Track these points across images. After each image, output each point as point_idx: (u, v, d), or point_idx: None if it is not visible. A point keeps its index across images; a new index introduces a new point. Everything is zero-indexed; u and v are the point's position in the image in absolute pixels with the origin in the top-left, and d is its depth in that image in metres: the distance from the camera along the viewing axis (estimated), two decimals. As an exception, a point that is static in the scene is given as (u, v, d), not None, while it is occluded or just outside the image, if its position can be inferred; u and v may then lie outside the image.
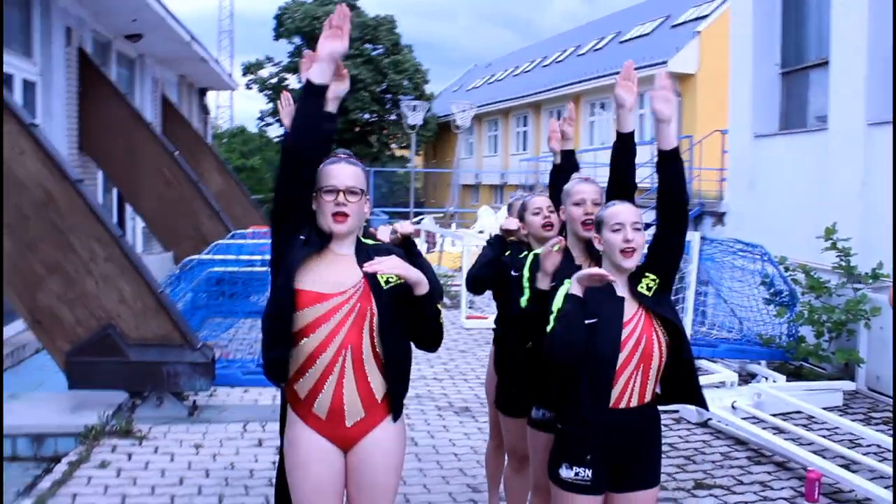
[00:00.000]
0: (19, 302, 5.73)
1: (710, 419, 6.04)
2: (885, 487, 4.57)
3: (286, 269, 2.51)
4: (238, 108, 63.53)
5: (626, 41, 26.10)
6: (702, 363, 7.26)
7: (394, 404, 2.63)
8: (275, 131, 39.99)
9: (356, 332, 2.53)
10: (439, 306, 2.68)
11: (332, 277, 2.55)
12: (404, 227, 3.31)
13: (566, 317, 2.60)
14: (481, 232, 15.31)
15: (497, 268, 3.60)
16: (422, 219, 20.35)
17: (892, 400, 6.52)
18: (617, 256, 2.71)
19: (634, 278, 2.77)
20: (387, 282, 2.59)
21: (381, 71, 36.58)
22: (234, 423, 5.72)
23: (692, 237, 7.34)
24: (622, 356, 2.63)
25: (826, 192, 8.08)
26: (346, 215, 2.54)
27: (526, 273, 3.13)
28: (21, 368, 7.86)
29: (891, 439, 5.38)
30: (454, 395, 6.80)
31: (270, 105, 37.81)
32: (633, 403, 2.68)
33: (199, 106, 17.76)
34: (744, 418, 5.95)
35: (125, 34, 11.58)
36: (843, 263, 7.02)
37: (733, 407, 6.11)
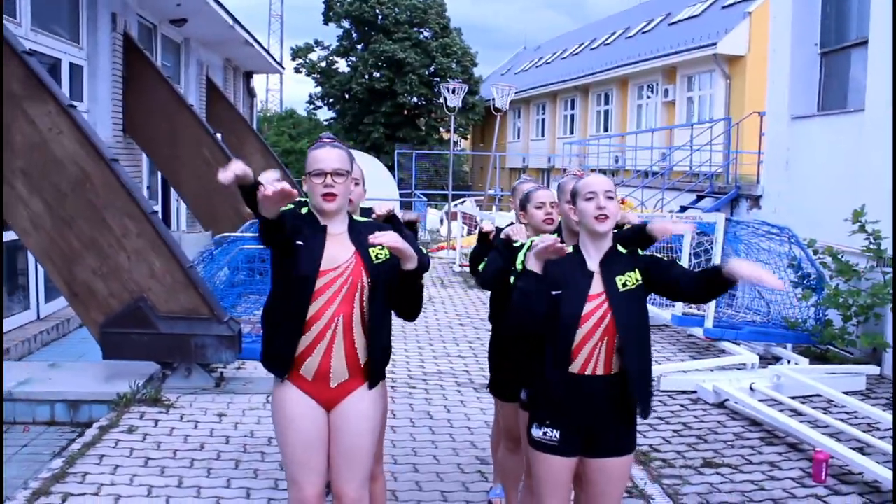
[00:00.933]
0: (58, 276, 6.02)
1: (727, 400, 6.06)
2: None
3: (300, 275, 2.76)
4: (288, 91, 64.33)
5: (675, 23, 25.66)
6: (723, 345, 7.26)
7: (373, 370, 2.88)
8: (323, 114, 40.47)
9: (348, 303, 2.80)
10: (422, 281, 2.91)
11: (328, 254, 2.80)
12: (408, 214, 3.57)
13: (522, 291, 2.71)
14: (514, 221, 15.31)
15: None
16: (463, 201, 20.45)
17: (918, 385, 6.44)
18: (591, 222, 2.80)
19: (618, 265, 2.82)
20: (376, 257, 2.85)
21: (429, 54, 36.62)
22: (258, 395, 5.93)
23: (717, 218, 7.31)
24: (586, 327, 2.72)
25: (860, 174, 7.94)
26: (334, 195, 2.79)
27: (520, 258, 3.22)
28: (65, 341, 8.26)
29: (907, 423, 5.33)
30: (476, 371, 6.91)
31: (319, 88, 38.17)
32: (599, 372, 2.76)
33: (245, 89, 18.10)
34: (762, 400, 5.95)
35: (170, 19, 11.88)
36: (873, 246, 6.91)
37: (751, 388, 6.11)
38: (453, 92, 13.71)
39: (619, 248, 2.89)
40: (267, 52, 16.71)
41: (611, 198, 2.80)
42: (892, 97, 7.20)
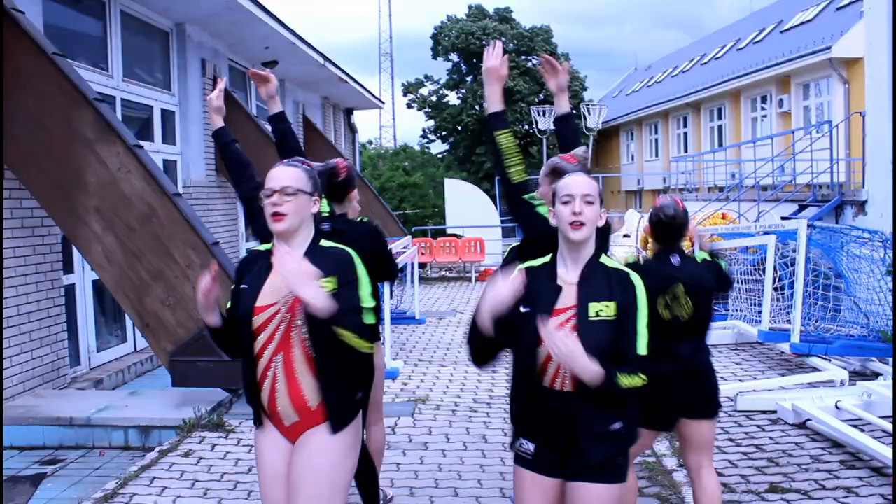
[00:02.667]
0: (130, 307, 6.33)
1: (808, 420, 5.60)
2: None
3: (238, 316, 2.69)
4: (404, 126, 66.04)
5: (787, 30, 24.54)
6: (813, 361, 6.73)
7: (331, 413, 2.63)
8: (437, 147, 41.12)
9: (286, 340, 2.59)
10: (353, 339, 2.50)
11: (269, 287, 2.62)
12: None
13: (471, 335, 2.62)
14: (626, 236, 14.97)
15: None
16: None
17: None
18: (566, 229, 2.57)
19: (597, 288, 2.57)
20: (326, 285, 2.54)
21: (538, 81, 36.63)
22: (318, 419, 5.97)
23: (798, 225, 6.82)
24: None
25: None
26: (281, 214, 2.59)
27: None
28: (159, 371, 8.64)
29: None
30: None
31: (431, 122, 38.87)
32: (567, 388, 2.53)
33: (345, 126, 18.63)
34: (847, 420, 5.46)
35: (262, 61, 12.41)
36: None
37: (836, 407, 5.62)
38: (543, 115, 13.56)
39: (606, 260, 2.66)
40: (364, 88, 17.17)
41: (590, 202, 2.56)
42: None
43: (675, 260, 3.46)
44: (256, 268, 2.70)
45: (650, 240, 3.66)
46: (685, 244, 3.68)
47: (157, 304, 6.24)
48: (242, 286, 2.68)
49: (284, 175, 2.65)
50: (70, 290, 7.72)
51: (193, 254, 6.18)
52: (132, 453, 5.92)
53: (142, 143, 6.70)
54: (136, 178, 6.20)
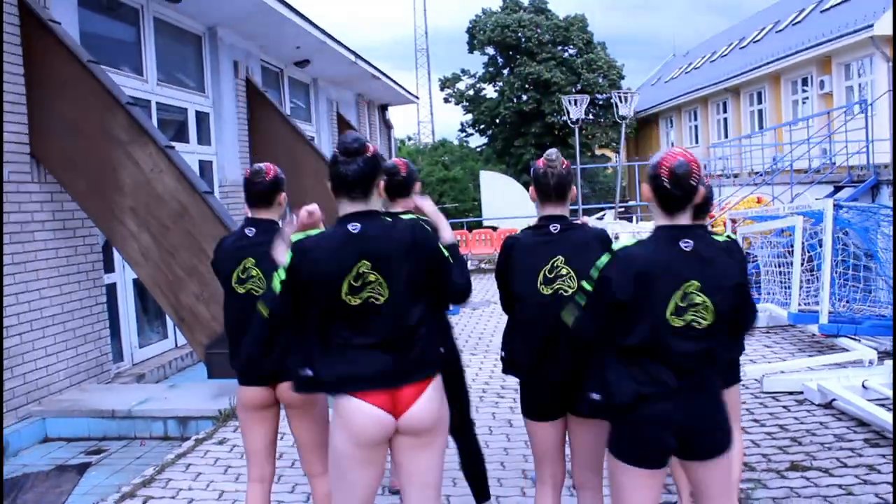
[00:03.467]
0: (166, 302, 6.56)
1: (834, 400, 5.58)
2: None
3: None
4: (442, 120, 65.89)
5: (827, 9, 24.03)
6: (842, 341, 6.69)
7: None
8: (475, 141, 41.16)
9: None
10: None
11: None
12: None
13: None
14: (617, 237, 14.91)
15: None
16: (603, 214, 20.09)
17: None
18: None
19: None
20: None
21: (574, 71, 36.39)
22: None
23: (824, 205, 6.76)
24: None
25: None
26: None
27: None
28: (199, 366, 8.90)
29: None
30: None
31: (469, 116, 38.93)
32: None
33: (380, 122, 18.82)
34: (873, 400, 5.43)
35: (294, 61, 12.63)
36: None
37: (864, 386, 5.60)
38: (575, 104, 13.56)
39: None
40: (397, 83, 17.33)
41: None
42: None
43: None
44: None
45: None
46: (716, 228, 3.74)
47: (192, 299, 6.46)
48: None
49: None
50: (111, 289, 8.01)
51: (225, 249, 6.37)
52: (171, 443, 6.15)
53: (174, 144, 6.93)
54: (169, 178, 6.42)
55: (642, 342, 2.49)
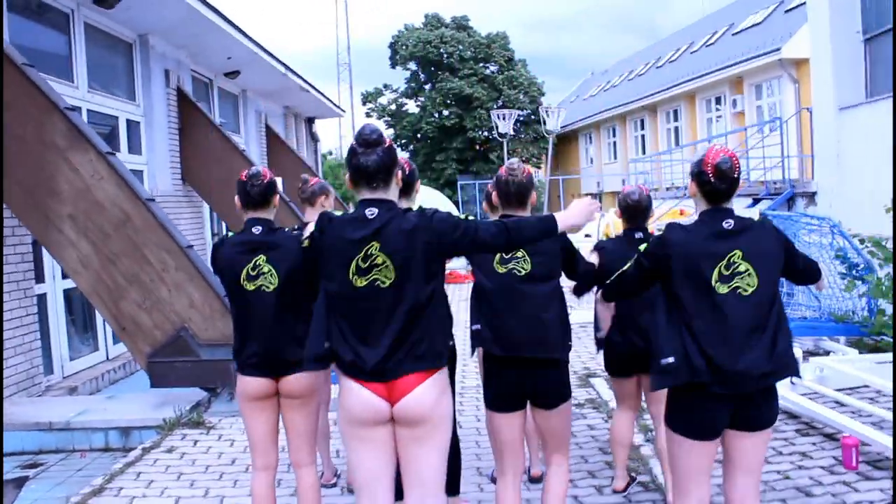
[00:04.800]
0: (106, 311, 6.42)
1: (765, 395, 5.88)
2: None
3: None
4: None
5: (738, 32, 25.22)
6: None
7: None
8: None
9: None
10: None
11: None
12: None
13: None
14: (588, 235, 15.30)
15: None
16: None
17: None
18: None
19: None
20: None
21: (496, 88, 37.07)
22: (296, 414, 6.12)
23: (751, 214, 7.14)
24: None
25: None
26: None
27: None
28: (131, 378, 8.70)
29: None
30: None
31: (391, 130, 39.06)
32: None
33: (307, 134, 18.75)
34: (804, 394, 5.76)
35: (224, 72, 12.51)
36: (919, 230, 6.63)
37: (792, 382, 5.92)
38: (504, 118, 13.84)
39: None
40: (325, 96, 17.32)
41: None
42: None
43: (639, 234, 3.90)
44: None
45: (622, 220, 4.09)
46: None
47: (134, 308, 6.34)
48: None
49: None
50: (42, 300, 7.76)
51: (168, 257, 6.30)
52: (113, 454, 6.00)
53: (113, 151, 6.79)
54: (110, 185, 6.30)
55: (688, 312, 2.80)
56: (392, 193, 2.72)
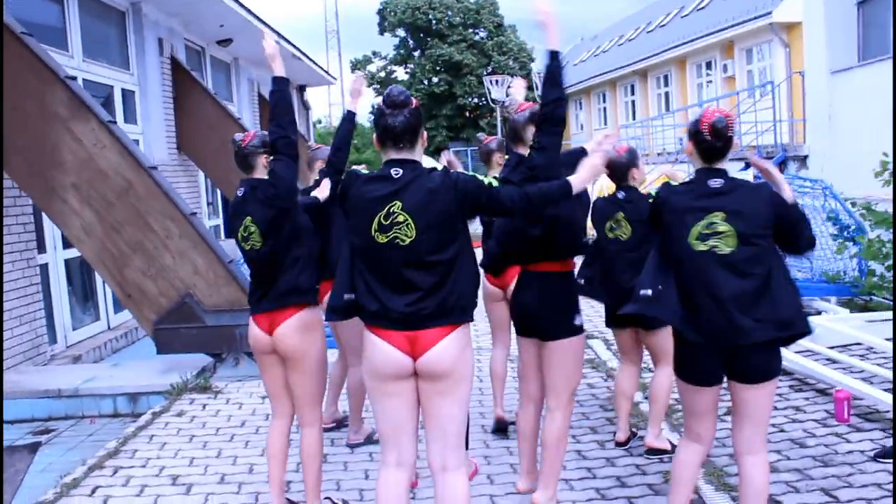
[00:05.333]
0: (111, 279, 6.49)
1: (760, 354, 6.04)
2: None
3: None
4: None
5: (728, -5, 25.13)
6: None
7: None
8: (388, 124, 41.17)
9: None
10: None
11: None
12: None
13: None
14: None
15: None
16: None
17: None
18: None
19: None
20: None
21: (485, 54, 36.90)
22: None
23: (746, 176, 7.25)
24: None
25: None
26: None
27: None
28: (133, 347, 8.81)
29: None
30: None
31: (380, 98, 38.86)
32: None
33: (299, 102, 18.68)
34: (798, 352, 5.92)
35: (217, 40, 12.45)
36: (909, 191, 6.76)
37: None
38: (497, 84, 13.85)
39: None
40: (316, 64, 17.23)
41: None
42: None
43: (621, 195, 4.19)
44: None
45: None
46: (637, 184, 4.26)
47: (139, 275, 6.42)
48: None
49: None
50: (44, 270, 7.82)
51: (172, 224, 6.36)
52: (122, 419, 6.12)
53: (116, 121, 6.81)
54: (112, 153, 6.33)
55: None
56: (417, 154, 2.80)
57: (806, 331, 3.03)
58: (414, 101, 2.80)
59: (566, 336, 3.46)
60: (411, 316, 2.73)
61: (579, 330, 3.50)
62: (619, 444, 4.55)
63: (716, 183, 2.96)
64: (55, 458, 5.41)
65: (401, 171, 2.75)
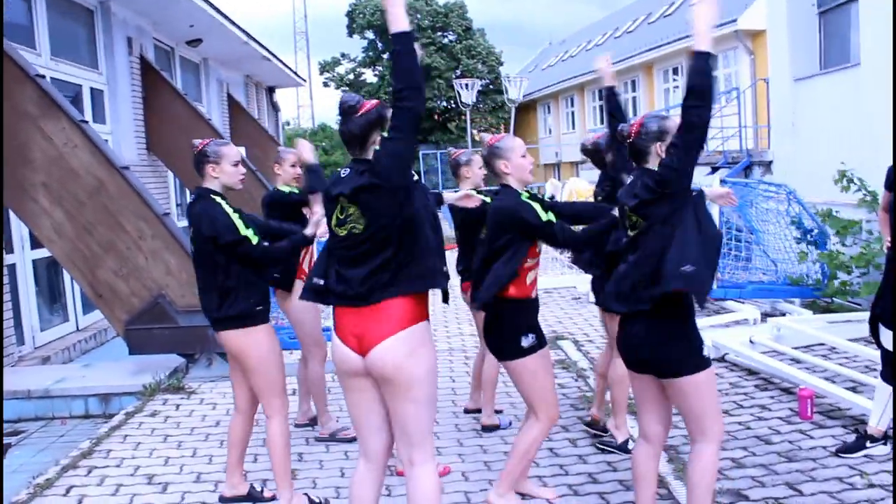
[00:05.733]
0: (82, 279, 6.44)
1: (726, 354, 6.19)
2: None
3: None
4: (321, 105, 65.54)
5: (696, 2, 25.51)
6: (728, 304, 7.37)
7: None
8: (356, 126, 41.11)
9: None
10: None
11: None
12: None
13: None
14: (552, 197, 15.56)
15: None
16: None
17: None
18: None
19: None
20: None
21: (454, 57, 36.98)
22: (275, 378, 6.26)
23: (711, 181, 7.43)
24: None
25: (861, 128, 7.98)
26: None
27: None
28: (102, 349, 8.74)
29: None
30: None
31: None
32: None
33: (268, 104, 18.61)
34: (763, 352, 6.07)
35: (186, 40, 12.39)
36: (867, 198, 6.98)
37: (751, 341, 6.24)
38: (467, 87, 13.94)
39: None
40: (285, 65, 17.20)
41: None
42: (893, 48, 7.20)
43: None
44: None
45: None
46: None
47: (111, 275, 6.38)
48: None
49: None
50: (11, 270, 7.73)
51: (144, 225, 6.34)
52: (94, 421, 6.08)
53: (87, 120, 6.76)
54: (83, 153, 6.30)
55: None
56: (370, 154, 2.88)
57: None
58: (367, 104, 2.88)
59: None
60: (365, 291, 2.80)
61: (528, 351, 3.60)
62: (588, 424, 4.72)
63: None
64: (26, 460, 5.36)
65: (349, 170, 2.89)
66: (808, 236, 7.43)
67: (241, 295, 3.64)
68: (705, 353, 3.06)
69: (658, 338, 3.01)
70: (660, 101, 25.20)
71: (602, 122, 29.61)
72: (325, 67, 39.15)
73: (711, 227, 3.05)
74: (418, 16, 36.40)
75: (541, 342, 3.61)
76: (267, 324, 3.78)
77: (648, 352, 3.02)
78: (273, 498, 3.95)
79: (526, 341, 3.56)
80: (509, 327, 3.57)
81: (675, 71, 24.57)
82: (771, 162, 10.27)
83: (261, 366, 3.71)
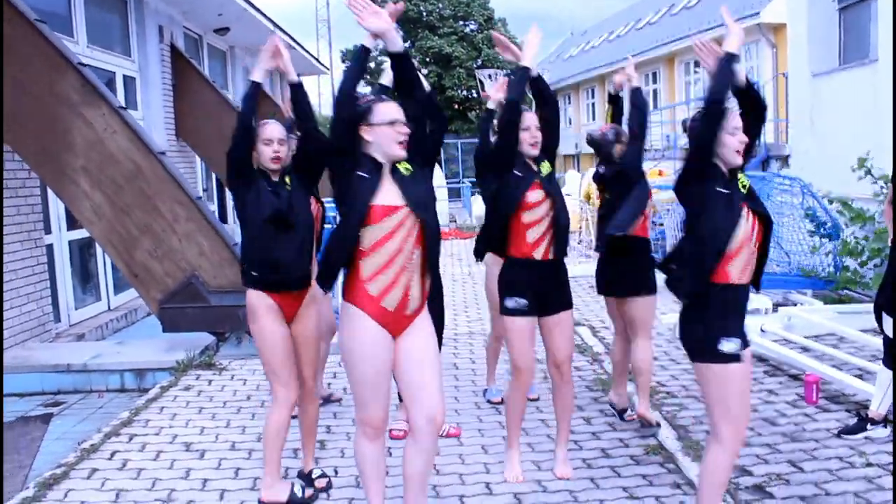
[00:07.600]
0: (119, 259, 6.74)
1: (737, 342, 6.38)
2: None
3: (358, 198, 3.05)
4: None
5: (717, -5, 25.49)
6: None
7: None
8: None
9: (419, 239, 3.09)
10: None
11: (392, 191, 3.07)
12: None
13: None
14: (567, 195, 15.71)
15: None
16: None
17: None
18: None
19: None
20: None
21: (475, 47, 37.06)
22: (302, 357, 6.53)
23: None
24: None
25: (879, 122, 8.11)
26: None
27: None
28: (133, 328, 9.06)
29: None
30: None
31: (369, 88, 39.00)
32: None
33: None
34: (774, 340, 6.27)
35: (214, 28, 12.65)
36: (884, 190, 7.12)
37: (762, 330, 6.43)
38: (490, 78, 14.13)
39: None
40: (310, 53, 17.43)
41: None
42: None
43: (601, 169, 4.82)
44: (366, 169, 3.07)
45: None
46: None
47: (146, 256, 6.67)
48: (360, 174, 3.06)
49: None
50: (49, 250, 8.05)
51: (179, 208, 6.62)
52: (129, 394, 6.39)
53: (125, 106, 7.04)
54: (122, 138, 6.58)
55: None
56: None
57: None
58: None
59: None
60: None
61: None
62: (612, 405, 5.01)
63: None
64: (68, 428, 5.67)
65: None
66: (822, 229, 7.59)
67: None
68: (725, 348, 2.93)
69: (684, 311, 3.10)
70: (681, 94, 25.21)
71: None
72: (346, 56, 39.37)
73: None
74: (440, 5, 36.52)
75: None
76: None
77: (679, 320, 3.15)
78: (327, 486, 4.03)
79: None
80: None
81: (697, 63, 24.49)
82: (788, 156, 10.40)
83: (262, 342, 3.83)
